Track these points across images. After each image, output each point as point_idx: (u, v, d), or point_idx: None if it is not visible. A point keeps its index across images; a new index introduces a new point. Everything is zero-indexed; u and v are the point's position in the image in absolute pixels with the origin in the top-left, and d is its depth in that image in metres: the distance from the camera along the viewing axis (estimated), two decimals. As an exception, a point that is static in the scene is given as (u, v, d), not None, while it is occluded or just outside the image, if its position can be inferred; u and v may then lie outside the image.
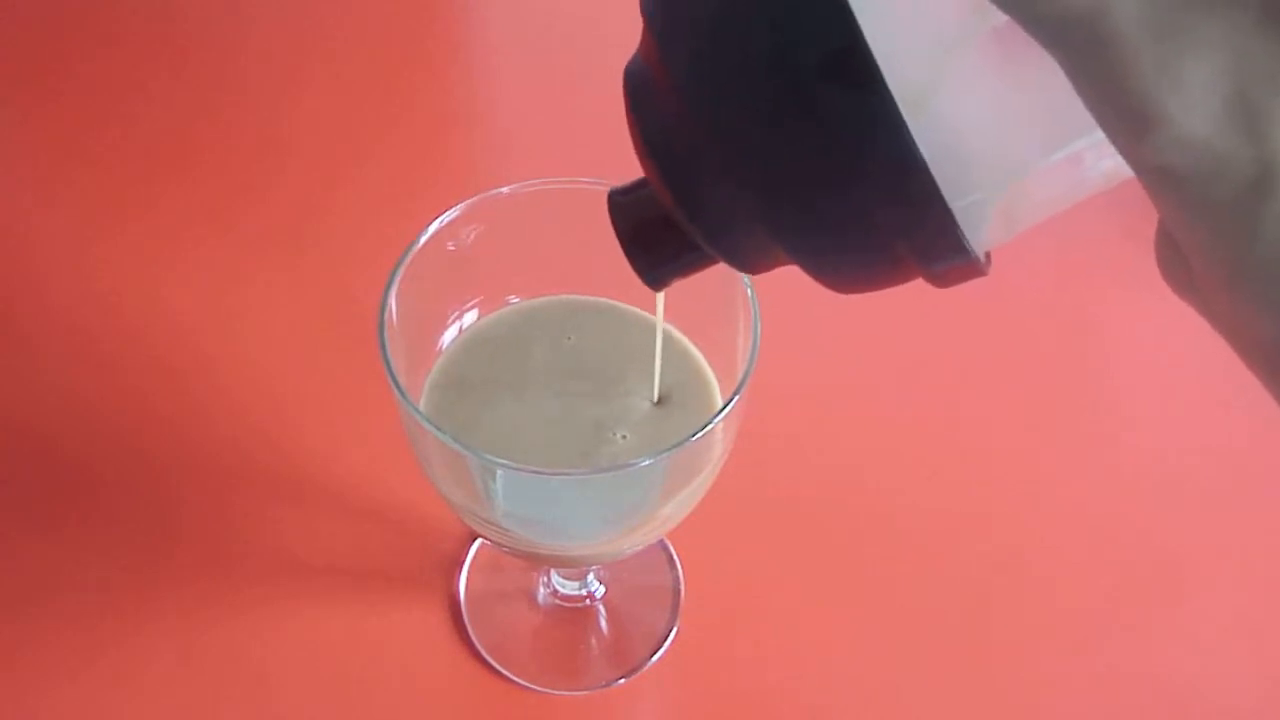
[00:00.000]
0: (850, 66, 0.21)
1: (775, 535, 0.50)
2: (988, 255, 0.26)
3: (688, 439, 0.34)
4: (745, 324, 0.37)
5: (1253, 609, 0.50)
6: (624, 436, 0.40)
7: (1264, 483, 0.53)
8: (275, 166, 0.63)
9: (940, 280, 0.25)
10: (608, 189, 0.30)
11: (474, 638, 0.48)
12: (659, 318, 0.39)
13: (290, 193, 0.61)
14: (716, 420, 0.35)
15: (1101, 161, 0.21)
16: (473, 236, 0.40)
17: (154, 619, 0.48)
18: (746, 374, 0.36)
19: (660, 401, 0.40)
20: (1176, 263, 0.21)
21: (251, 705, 0.46)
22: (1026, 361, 0.57)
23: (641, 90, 0.26)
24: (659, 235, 0.28)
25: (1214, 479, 0.53)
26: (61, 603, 0.48)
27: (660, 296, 0.38)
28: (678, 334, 0.42)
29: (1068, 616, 0.49)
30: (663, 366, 0.40)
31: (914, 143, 0.22)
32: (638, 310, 0.43)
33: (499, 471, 0.35)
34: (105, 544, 0.50)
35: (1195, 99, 0.18)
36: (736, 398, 0.35)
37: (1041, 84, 0.20)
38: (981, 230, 0.24)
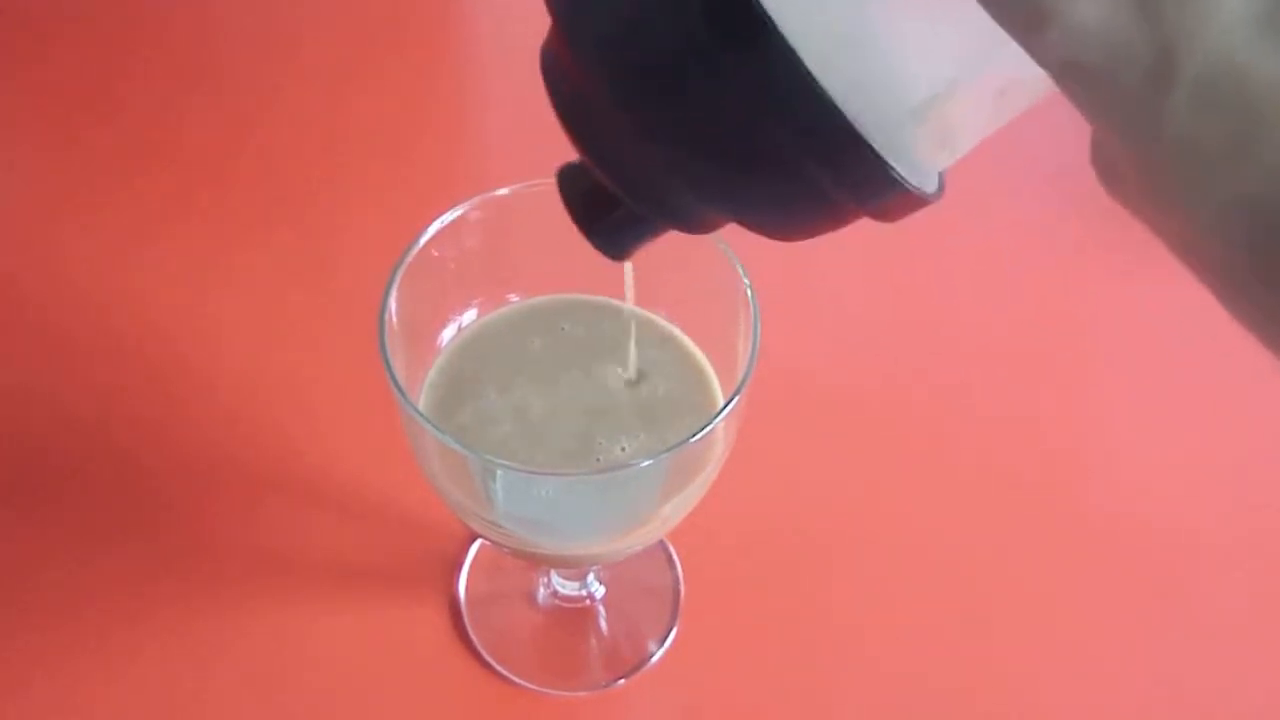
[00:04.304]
0: (738, 14, 0.21)
1: (775, 535, 0.50)
2: (940, 179, 0.25)
3: (688, 439, 0.34)
4: (745, 324, 0.37)
5: (1252, 613, 0.50)
6: (623, 447, 0.40)
7: (1265, 486, 0.53)
8: (272, 164, 0.63)
9: (883, 215, 0.24)
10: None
11: (474, 638, 0.48)
12: (628, 289, 0.38)
13: (288, 192, 0.61)
14: (717, 420, 0.35)
15: (1022, 70, 0.20)
16: (472, 237, 0.40)
17: (148, 619, 0.48)
18: (746, 374, 0.36)
19: (639, 379, 0.40)
20: (1110, 165, 0.20)
21: (250, 706, 0.46)
22: (1029, 362, 0.57)
23: (554, 69, 0.26)
24: (606, 207, 0.28)
25: (1214, 485, 0.53)
26: (57, 601, 0.48)
27: (628, 269, 0.37)
28: (679, 334, 0.42)
29: (1067, 615, 0.49)
30: (663, 367, 0.40)
31: (818, 83, 0.21)
32: (638, 309, 0.43)
33: (499, 471, 0.35)
34: (103, 545, 0.49)
35: None
36: (737, 398, 0.35)
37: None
38: (915, 158, 0.23)
